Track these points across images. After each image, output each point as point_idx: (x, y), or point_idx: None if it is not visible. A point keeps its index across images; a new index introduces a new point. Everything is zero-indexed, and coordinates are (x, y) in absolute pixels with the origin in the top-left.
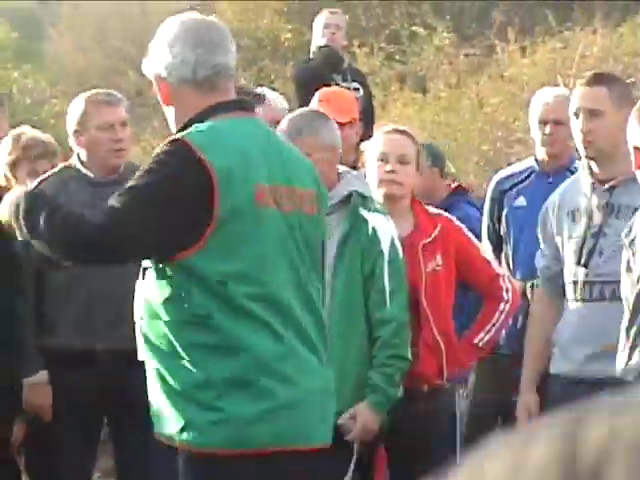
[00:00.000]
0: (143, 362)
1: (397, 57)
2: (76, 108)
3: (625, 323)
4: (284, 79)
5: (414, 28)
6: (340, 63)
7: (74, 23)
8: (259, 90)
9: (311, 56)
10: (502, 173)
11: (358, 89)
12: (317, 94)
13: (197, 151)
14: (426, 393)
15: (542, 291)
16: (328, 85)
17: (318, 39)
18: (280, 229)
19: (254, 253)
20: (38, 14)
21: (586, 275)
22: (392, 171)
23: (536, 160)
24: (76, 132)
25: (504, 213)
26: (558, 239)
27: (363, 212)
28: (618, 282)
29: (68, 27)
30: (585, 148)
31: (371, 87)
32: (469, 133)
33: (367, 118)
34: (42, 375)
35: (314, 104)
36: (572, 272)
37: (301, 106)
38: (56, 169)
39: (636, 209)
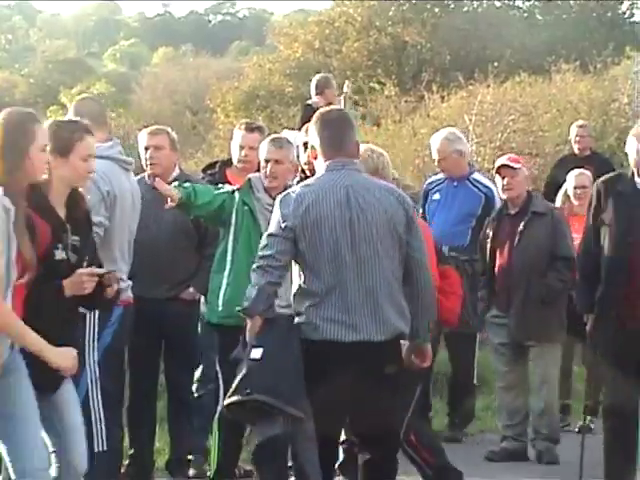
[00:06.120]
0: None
1: (360, 102)
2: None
3: None
4: (287, 117)
5: (371, 84)
6: None
7: (151, 82)
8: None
9: (309, 102)
10: (429, 179)
11: None
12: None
13: None
14: None
15: None
16: None
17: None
18: None
19: None
20: (128, 76)
21: None
22: None
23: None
24: None
25: (427, 202)
26: None
27: None
28: None
29: (147, 85)
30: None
31: None
32: (407, 152)
33: None
34: None
35: (304, 129)
36: None
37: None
38: None
39: None
